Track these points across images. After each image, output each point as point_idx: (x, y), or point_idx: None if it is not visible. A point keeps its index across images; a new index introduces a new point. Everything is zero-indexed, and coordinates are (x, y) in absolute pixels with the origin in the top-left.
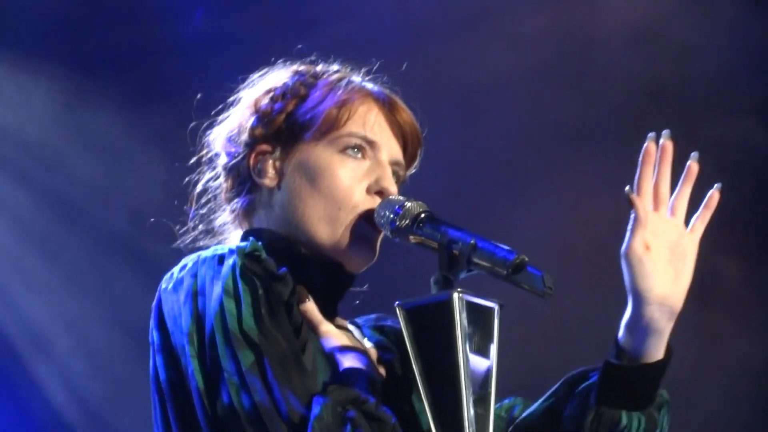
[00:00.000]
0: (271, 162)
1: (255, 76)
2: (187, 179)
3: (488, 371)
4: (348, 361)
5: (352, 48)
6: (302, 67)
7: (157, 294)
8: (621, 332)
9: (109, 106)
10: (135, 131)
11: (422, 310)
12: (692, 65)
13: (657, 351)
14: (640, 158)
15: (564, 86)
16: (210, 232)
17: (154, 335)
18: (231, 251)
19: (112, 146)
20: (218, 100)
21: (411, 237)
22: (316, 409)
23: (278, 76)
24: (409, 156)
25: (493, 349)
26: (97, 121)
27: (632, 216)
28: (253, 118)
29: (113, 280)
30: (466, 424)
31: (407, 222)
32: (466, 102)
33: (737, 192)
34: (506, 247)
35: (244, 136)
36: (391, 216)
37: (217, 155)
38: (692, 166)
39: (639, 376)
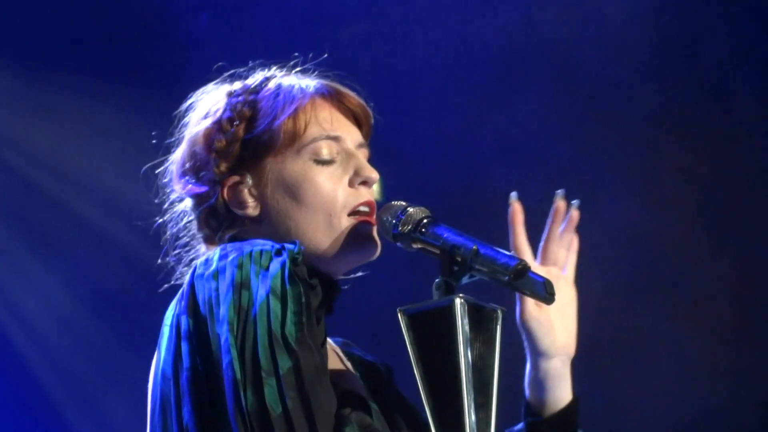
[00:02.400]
0: (246, 191)
1: (186, 104)
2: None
3: (490, 377)
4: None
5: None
6: (233, 86)
7: (189, 278)
8: (529, 390)
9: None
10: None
11: (424, 315)
12: None
13: (567, 394)
14: (550, 216)
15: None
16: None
17: (182, 321)
18: (280, 251)
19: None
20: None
21: (413, 242)
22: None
23: (212, 100)
24: (365, 131)
25: (495, 355)
26: (103, 122)
27: None
28: (209, 154)
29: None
30: (467, 429)
31: (409, 227)
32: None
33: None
34: (508, 253)
35: (207, 174)
36: (394, 221)
37: (180, 198)
38: (573, 214)
39: (562, 422)
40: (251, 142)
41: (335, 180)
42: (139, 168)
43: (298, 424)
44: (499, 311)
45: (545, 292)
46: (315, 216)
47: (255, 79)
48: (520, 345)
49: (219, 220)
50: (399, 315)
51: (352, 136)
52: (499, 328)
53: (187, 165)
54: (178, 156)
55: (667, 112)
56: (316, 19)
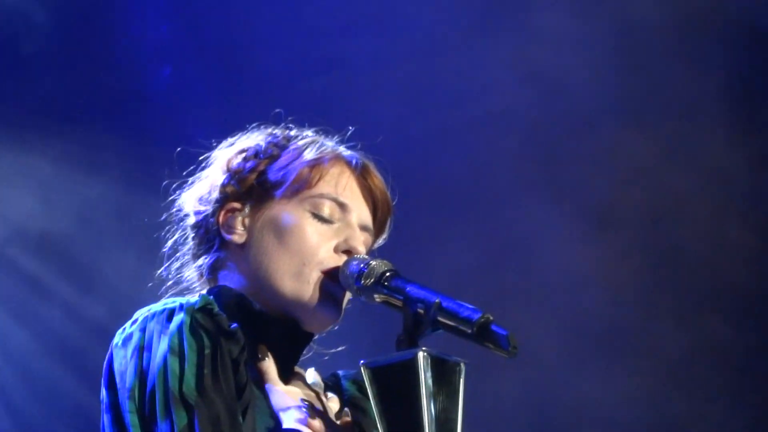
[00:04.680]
0: (240, 219)
1: (231, 139)
2: (156, 235)
3: (453, 430)
4: (289, 422)
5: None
6: (276, 131)
7: (109, 350)
8: None
9: (76, 160)
10: (101, 184)
11: (387, 369)
12: None
13: None
14: None
15: None
16: (178, 288)
17: (103, 393)
18: (181, 307)
19: (74, 192)
20: (188, 158)
21: (376, 296)
22: None
23: (252, 138)
24: (378, 223)
25: (459, 407)
26: (64, 176)
27: None
28: (224, 177)
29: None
30: None
31: (372, 280)
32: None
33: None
34: (471, 306)
35: (215, 195)
36: (356, 274)
37: (186, 215)
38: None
39: None
40: (265, 177)
41: (323, 238)
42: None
43: None
44: (461, 364)
45: (508, 346)
46: (290, 260)
47: (299, 131)
48: (484, 397)
49: (208, 237)
50: (362, 369)
51: (360, 212)
52: (462, 380)
53: (205, 185)
54: (199, 177)
55: None
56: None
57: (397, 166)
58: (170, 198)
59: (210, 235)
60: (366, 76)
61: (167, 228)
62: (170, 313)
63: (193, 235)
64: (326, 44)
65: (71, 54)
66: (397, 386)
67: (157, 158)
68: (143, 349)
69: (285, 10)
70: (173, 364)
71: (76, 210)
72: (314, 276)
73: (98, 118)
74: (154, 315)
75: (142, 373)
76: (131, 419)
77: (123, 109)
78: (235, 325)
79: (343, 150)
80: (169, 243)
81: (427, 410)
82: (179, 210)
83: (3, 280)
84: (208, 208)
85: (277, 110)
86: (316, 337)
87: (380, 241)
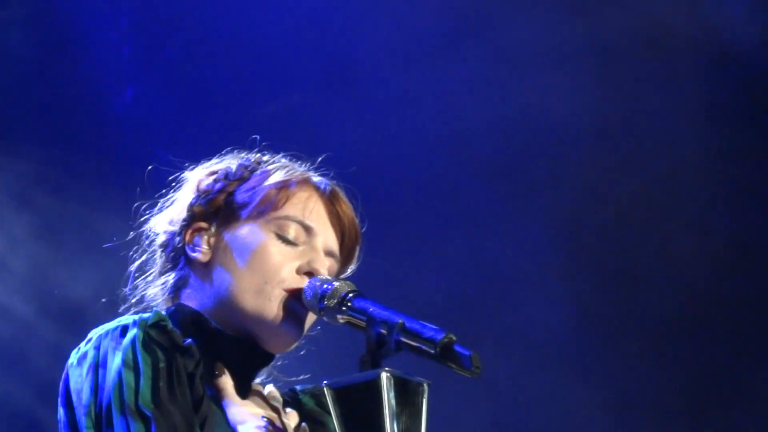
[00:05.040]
0: (206, 238)
1: (204, 162)
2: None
3: None
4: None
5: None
6: (249, 155)
7: (65, 370)
8: None
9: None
10: (67, 206)
11: (350, 389)
12: None
13: None
14: None
15: None
16: (139, 306)
17: (60, 412)
18: (134, 323)
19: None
20: (156, 178)
21: (339, 316)
22: None
23: (225, 162)
24: (346, 250)
25: (422, 428)
26: (36, 199)
27: None
28: (193, 197)
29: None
30: None
31: (335, 301)
32: None
33: None
34: (434, 327)
35: (183, 214)
36: (320, 295)
37: (155, 235)
38: None
39: None
40: (232, 198)
41: (287, 258)
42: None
43: None
44: (425, 384)
45: (471, 366)
46: (252, 278)
47: (272, 157)
48: (447, 417)
49: (174, 255)
50: (325, 389)
51: (326, 237)
52: (425, 401)
53: (174, 206)
54: (171, 200)
55: None
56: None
57: (365, 186)
58: (140, 219)
59: (176, 253)
60: (334, 96)
61: (134, 248)
62: (123, 329)
63: (160, 253)
64: (292, 63)
65: (32, 74)
66: (360, 407)
67: (121, 179)
68: (98, 366)
69: (248, 28)
70: (128, 378)
71: (37, 229)
72: (276, 293)
73: (60, 140)
74: (107, 332)
75: (97, 390)
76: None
77: (85, 130)
78: (189, 340)
79: (312, 175)
80: (135, 264)
81: (391, 430)
82: (148, 230)
83: None
84: (176, 228)
85: (254, 136)
86: (276, 357)
87: (348, 270)
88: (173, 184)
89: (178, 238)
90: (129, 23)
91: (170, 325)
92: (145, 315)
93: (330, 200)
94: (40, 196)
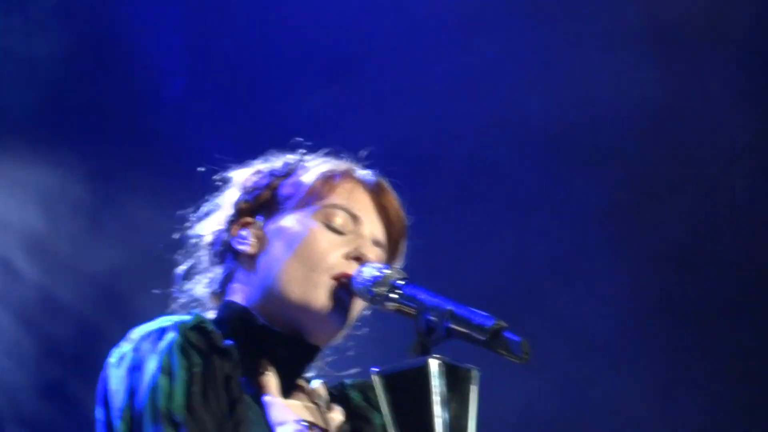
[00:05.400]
0: (253, 231)
1: (250, 162)
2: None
3: None
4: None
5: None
6: (293, 155)
7: (104, 368)
8: None
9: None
10: (109, 197)
11: (399, 376)
12: None
13: None
14: None
15: None
16: (187, 306)
17: (98, 412)
18: (174, 325)
19: (87, 210)
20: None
21: (388, 304)
22: None
23: (270, 162)
24: (393, 242)
25: (471, 415)
26: (76, 190)
27: None
28: (239, 194)
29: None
30: None
31: (385, 289)
32: None
33: None
34: (484, 314)
35: (230, 212)
36: (370, 283)
37: (201, 237)
38: None
39: None
40: (278, 191)
41: (334, 246)
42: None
43: None
44: (474, 371)
45: (521, 352)
46: (299, 266)
47: (314, 155)
48: (495, 405)
49: (221, 251)
50: (373, 377)
51: (373, 227)
52: (474, 387)
53: (219, 210)
54: (217, 205)
55: None
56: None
57: (411, 174)
58: (190, 213)
59: (223, 248)
60: (382, 83)
61: (180, 251)
62: (162, 332)
63: (206, 251)
64: (343, 54)
65: (83, 65)
66: (409, 393)
67: (171, 172)
68: (135, 369)
69: (297, 20)
70: (163, 382)
71: (82, 222)
72: (323, 280)
73: (111, 131)
74: (148, 334)
75: (132, 393)
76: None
77: (137, 123)
78: (229, 342)
79: (357, 167)
80: (183, 266)
81: (440, 417)
82: (194, 234)
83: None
84: (223, 226)
85: (297, 139)
86: (322, 351)
87: (395, 264)
88: (218, 182)
89: (225, 234)
90: (178, 13)
91: (210, 327)
92: (186, 318)
93: (376, 192)
94: (88, 190)
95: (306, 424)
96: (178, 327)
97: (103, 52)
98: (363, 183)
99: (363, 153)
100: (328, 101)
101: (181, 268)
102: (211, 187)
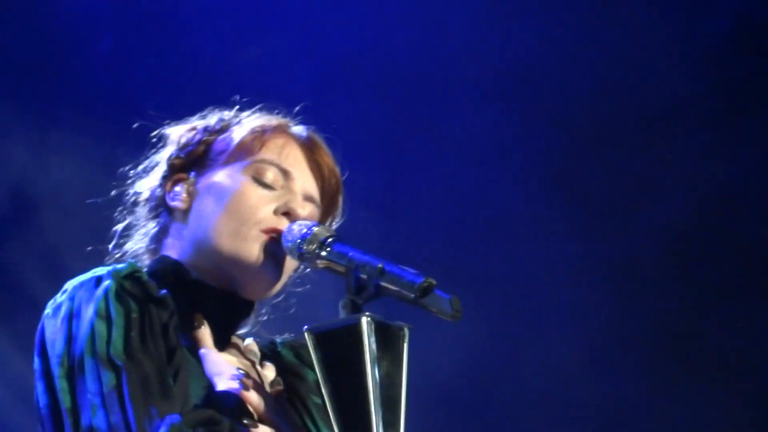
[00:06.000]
0: (185, 187)
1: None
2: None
3: (398, 395)
4: (222, 385)
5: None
6: (229, 111)
7: (41, 321)
8: None
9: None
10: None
11: (331, 334)
12: None
13: None
14: None
15: None
16: (123, 261)
17: (35, 362)
18: (108, 273)
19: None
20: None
21: (318, 261)
22: (162, 430)
23: (206, 119)
24: (327, 197)
25: (403, 373)
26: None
27: None
28: (173, 150)
29: None
30: None
31: (314, 246)
32: None
33: None
34: (413, 271)
35: (164, 168)
36: (299, 240)
37: (139, 194)
38: None
39: None
40: (210, 147)
41: (263, 201)
42: None
43: None
44: (405, 329)
45: (451, 309)
46: (228, 221)
47: (252, 111)
48: (428, 362)
49: (155, 206)
50: (305, 334)
51: (304, 182)
52: (406, 345)
53: (156, 166)
54: (155, 163)
55: None
56: None
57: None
58: (125, 172)
59: (157, 204)
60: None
61: (118, 209)
62: (98, 281)
63: (141, 207)
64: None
65: (7, 21)
66: (341, 351)
67: (100, 129)
68: (72, 316)
69: None
70: (100, 327)
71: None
72: (253, 234)
73: (38, 88)
74: (82, 284)
75: (71, 340)
76: (61, 384)
77: (63, 79)
78: (163, 291)
79: (289, 123)
80: (121, 225)
81: (372, 375)
82: (132, 192)
83: None
84: (157, 183)
85: (236, 97)
86: (255, 306)
87: (331, 220)
88: (155, 139)
89: (158, 191)
90: None
91: (144, 277)
92: (119, 266)
93: (308, 147)
94: (16, 147)
95: (242, 373)
96: (112, 274)
97: (29, 7)
98: (295, 138)
99: (296, 107)
100: (265, 51)
101: (119, 227)
102: (149, 145)
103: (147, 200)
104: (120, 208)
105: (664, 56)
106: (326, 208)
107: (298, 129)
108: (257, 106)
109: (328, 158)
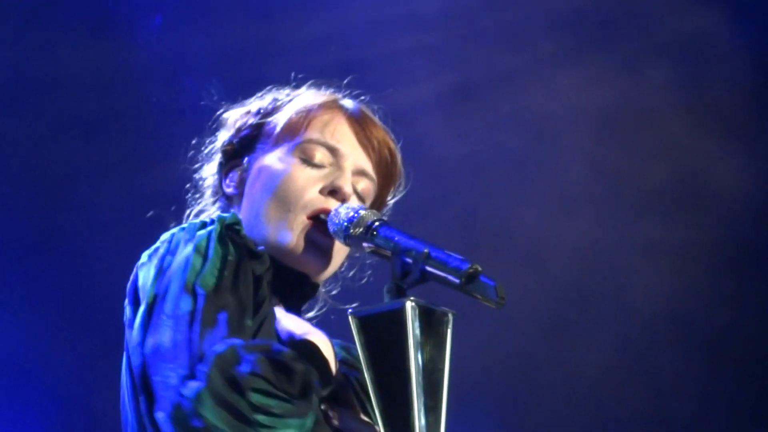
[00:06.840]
0: (238, 173)
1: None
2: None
3: (440, 380)
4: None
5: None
6: (285, 90)
7: (133, 271)
8: None
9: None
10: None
11: (375, 318)
12: None
13: None
14: None
15: None
16: None
17: (126, 312)
18: (212, 220)
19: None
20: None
21: (364, 245)
22: (221, 347)
23: (262, 99)
24: (382, 170)
25: (446, 358)
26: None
27: None
28: (229, 136)
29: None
30: None
31: (361, 230)
32: None
33: None
34: (459, 257)
35: (220, 156)
36: (345, 224)
37: (203, 179)
38: None
39: None
40: (262, 131)
41: (310, 182)
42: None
43: (180, 349)
44: (449, 314)
45: (496, 296)
46: (275, 207)
47: (306, 89)
48: (471, 348)
49: (213, 193)
50: (350, 318)
51: (355, 158)
52: (449, 331)
53: (216, 147)
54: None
55: None
56: None
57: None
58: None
59: (215, 191)
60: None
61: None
62: (203, 224)
63: (205, 192)
64: None
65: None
66: (384, 336)
67: (151, 112)
68: (167, 253)
69: None
70: (195, 261)
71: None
72: (298, 222)
73: (85, 73)
74: (184, 228)
75: (160, 273)
76: (142, 306)
77: (112, 63)
78: (261, 248)
79: (338, 97)
80: (195, 211)
81: (415, 360)
82: (198, 177)
83: None
84: (215, 169)
85: (299, 75)
86: (321, 289)
87: (392, 193)
88: (212, 126)
89: (216, 177)
90: None
91: (244, 231)
92: (225, 214)
93: (357, 120)
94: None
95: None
96: (218, 220)
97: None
98: (343, 112)
99: (345, 80)
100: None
101: (193, 212)
102: (208, 129)
103: (207, 187)
104: (190, 194)
105: None
106: (383, 181)
107: (347, 103)
108: (308, 83)
109: (377, 130)
